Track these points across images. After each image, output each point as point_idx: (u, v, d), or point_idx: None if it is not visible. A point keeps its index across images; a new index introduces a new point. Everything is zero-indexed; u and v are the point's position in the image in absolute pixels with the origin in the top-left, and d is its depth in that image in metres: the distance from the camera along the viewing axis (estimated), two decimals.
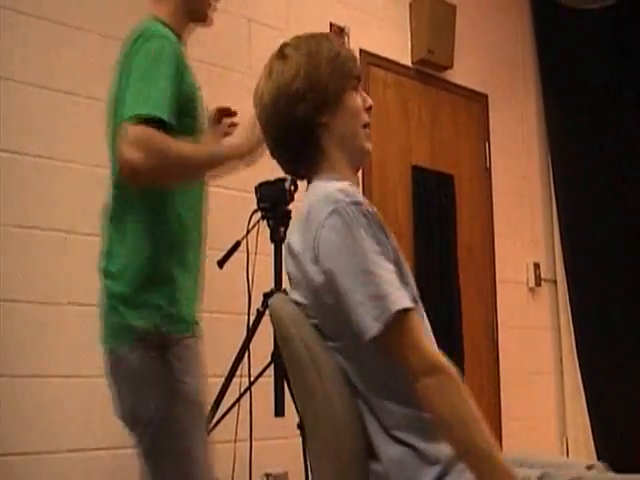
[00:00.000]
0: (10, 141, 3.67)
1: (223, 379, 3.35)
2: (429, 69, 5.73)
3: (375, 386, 1.85)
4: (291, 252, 2.00)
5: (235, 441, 3.54)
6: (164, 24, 2.60)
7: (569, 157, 6.42)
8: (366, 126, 2.15)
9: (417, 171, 5.43)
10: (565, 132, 6.47)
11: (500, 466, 1.69)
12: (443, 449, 1.79)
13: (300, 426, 3.06)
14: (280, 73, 2.09)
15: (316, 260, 1.87)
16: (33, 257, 3.67)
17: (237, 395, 3.38)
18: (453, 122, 5.97)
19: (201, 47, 4.29)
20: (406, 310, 1.78)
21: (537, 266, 6.29)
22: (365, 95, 2.17)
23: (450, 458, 1.79)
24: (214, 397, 3.31)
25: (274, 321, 2.02)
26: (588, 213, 6.33)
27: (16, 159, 3.68)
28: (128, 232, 2.56)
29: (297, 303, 1.98)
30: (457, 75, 5.91)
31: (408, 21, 5.60)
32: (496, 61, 6.33)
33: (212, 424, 3.30)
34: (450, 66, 5.76)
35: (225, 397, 3.33)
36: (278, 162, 2.17)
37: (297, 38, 2.15)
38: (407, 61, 5.59)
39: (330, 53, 2.10)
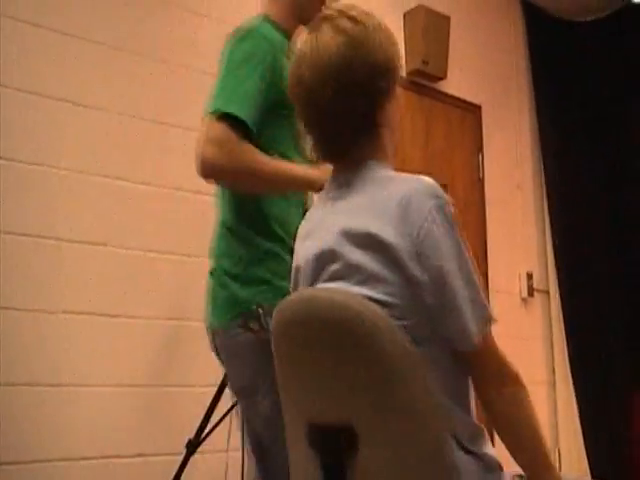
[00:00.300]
0: (7, 148, 3.68)
1: (216, 388, 3.35)
2: (423, 80, 5.73)
3: (450, 394, 1.80)
4: (370, 241, 1.78)
5: (227, 450, 3.53)
6: (273, 22, 2.69)
7: (562, 167, 6.44)
8: None
9: None
10: (558, 142, 6.49)
11: (557, 475, 1.81)
12: (495, 455, 1.85)
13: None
14: (356, 35, 1.90)
15: (418, 256, 1.74)
16: (30, 265, 3.66)
17: (229, 404, 3.36)
18: (447, 133, 5.97)
19: (195, 57, 4.30)
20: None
21: (530, 276, 6.29)
22: None
23: (499, 465, 1.85)
24: (207, 406, 3.31)
25: (336, 317, 1.75)
26: (581, 223, 6.35)
27: (14, 166, 3.68)
28: (235, 216, 2.64)
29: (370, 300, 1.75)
30: (451, 86, 5.92)
31: (402, 32, 5.60)
32: (490, 72, 6.34)
33: (204, 433, 3.30)
34: (444, 77, 5.76)
35: (217, 406, 3.32)
36: (319, 125, 1.94)
37: (354, 7, 1.96)
38: (401, 71, 5.59)
39: (392, 39, 2.01)
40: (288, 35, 2.75)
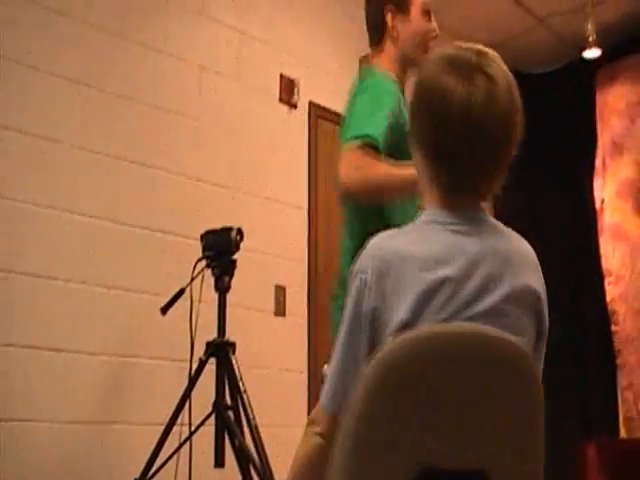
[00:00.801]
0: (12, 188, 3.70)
1: (163, 427, 3.30)
2: None
3: None
4: (522, 292, 1.81)
5: None
6: (383, 73, 2.99)
7: (517, 217, 6.48)
8: None
9: None
10: (511, 190, 6.54)
11: None
12: None
13: None
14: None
15: (545, 311, 1.88)
16: (29, 301, 3.67)
17: (177, 444, 3.33)
18: None
19: (151, 92, 4.30)
20: None
21: None
22: None
23: None
24: (154, 445, 3.26)
25: (508, 358, 1.68)
26: None
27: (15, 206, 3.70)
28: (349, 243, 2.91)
29: None
30: None
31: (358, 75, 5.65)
32: None
33: (151, 473, 3.25)
34: None
35: (165, 445, 3.28)
36: (487, 157, 1.86)
37: None
38: None
39: None
40: (400, 80, 3.04)
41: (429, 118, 1.87)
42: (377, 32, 3.12)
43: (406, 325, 1.74)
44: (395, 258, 1.83)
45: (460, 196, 1.90)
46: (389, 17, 3.05)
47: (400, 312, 1.76)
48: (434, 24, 3.08)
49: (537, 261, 1.90)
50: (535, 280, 1.85)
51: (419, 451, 1.66)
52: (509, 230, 1.96)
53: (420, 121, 1.90)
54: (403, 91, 3.00)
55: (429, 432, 1.66)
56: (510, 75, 1.88)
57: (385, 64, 3.02)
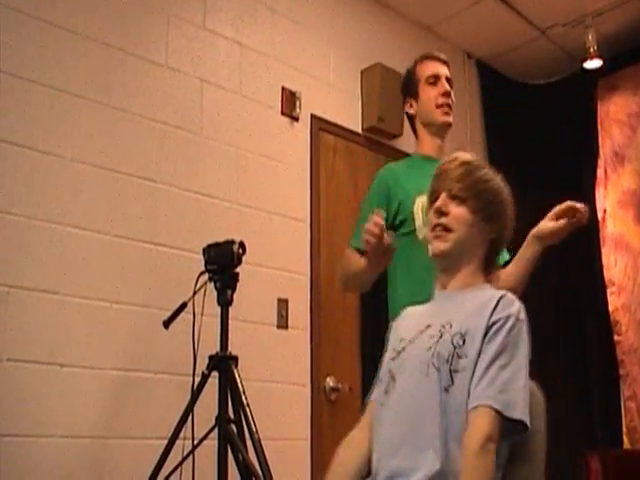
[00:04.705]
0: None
1: (166, 441, 3.29)
2: (379, 137, 5.76)
3: None
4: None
5: None
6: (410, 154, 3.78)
7: (520, 228, 6.47)
8: None
9: None
10: (515, 204, 6.54)
11: None
12: None
13: None
14: None
15: None
16: (31, 316, 3.67)
17: (180, 458, 3.31)
18: None
19: (153, 106, 4.30)
20: None
21: None
22: None
23: None
24: (156, 459, 3.25)
25: None
26: (530, 286, 6.37)
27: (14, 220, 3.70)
28: None
29: None
30: (406, 143, 5.92)
31: (359, 89, 5.66)
32: None
33: None
34: (400, 134, 5.79)
35: (167, 460, 3.27)
36: None
37: None
38: (357, 128, 5.62)
39: None
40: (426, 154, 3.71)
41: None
42: (412, 126, 3.74)
43: None
44: None
45: None
46: (408, 107, 3.68)
47: None
48: (441, 87, 3.63)
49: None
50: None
51: None
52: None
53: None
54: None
55: None
56: None
57: (419, 147, 3.69)
